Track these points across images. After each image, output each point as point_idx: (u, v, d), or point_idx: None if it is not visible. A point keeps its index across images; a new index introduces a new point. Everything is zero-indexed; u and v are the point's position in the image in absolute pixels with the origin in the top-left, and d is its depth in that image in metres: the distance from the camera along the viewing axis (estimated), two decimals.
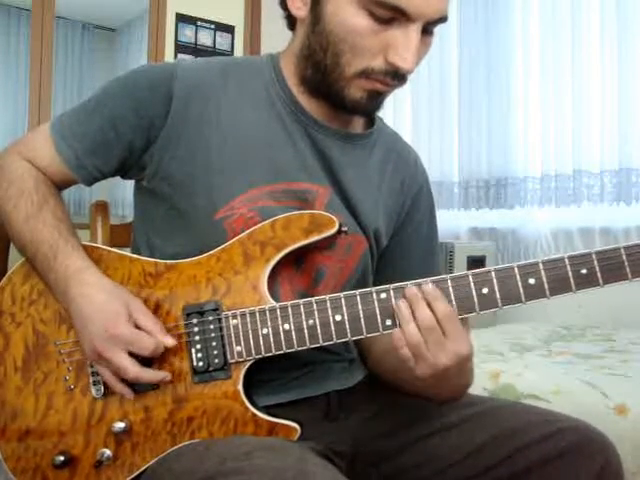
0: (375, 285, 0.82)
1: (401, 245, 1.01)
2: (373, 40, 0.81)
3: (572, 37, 2.59)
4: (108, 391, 0.84)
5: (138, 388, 0.83)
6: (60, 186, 0.94)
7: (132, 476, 0.82)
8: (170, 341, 0.81)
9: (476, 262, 2.63)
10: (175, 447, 0.81)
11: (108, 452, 0.82)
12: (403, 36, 0.80)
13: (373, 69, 0.83)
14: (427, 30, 0.83)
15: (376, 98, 0.87)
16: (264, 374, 0.86)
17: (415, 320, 0.75)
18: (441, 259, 2.34)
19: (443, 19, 0.83)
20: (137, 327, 0.80)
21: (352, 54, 0.82)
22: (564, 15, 2.62)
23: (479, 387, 1.46)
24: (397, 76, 0.83)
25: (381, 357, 0.96)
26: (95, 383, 0.84)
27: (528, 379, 1.49)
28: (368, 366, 1.01)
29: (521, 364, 1.60)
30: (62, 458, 0.82)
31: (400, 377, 0.89)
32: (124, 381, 0.81)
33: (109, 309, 0.80)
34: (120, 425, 0.82)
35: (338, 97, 0.86)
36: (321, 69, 0.85)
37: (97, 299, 0.81)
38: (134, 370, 0.79)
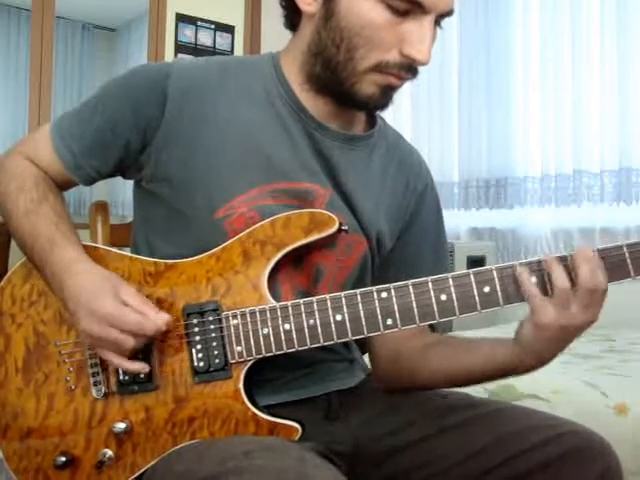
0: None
1: (409, 246, 1.00)
2: (389, 33, 0.81)
3: (572, 37, 2.60)
4: (109, 392, 0.84)
5: (139, 388, 0.83)
6: (61, 186, 0.94)
7: (133, 476, 0.82)
8: (162, 317, 0.78)
9: (476, 262, 2.62)
10: (176, 447, 0.81)
11: (110, 452, 0.82)
12: (418, 28, 0.81)
13: (388, 62, 0.83)
14: (436, 23, 0.84)
15: (388, 93, 0.87)
16: (265, 374, 0.86)
17: (577, 276, 0.74)
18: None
19: (451, 12, 0.84)
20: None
21: (367, 48, 0.82)
22: (564, 15, 2.62)
23: (479, 387, 1.45)
24: (411, 69, 0.84)
25: (426, 351, 0.92)
26: (96, 384, 0.84)
27: (528, 379, 1.47)
28: (393, 370, 0.96)
29: None
30: (63, 459, 0.83)
31: (460, 360, 0.87)
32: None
33: (94, 288, 0.79)
34: (121, 425, 0.81)
35: (349, 94, 0.86)
36: (332, 65, 0.85)
37: (86, 284, 0.80)
38: (129, 340, 0.77)
